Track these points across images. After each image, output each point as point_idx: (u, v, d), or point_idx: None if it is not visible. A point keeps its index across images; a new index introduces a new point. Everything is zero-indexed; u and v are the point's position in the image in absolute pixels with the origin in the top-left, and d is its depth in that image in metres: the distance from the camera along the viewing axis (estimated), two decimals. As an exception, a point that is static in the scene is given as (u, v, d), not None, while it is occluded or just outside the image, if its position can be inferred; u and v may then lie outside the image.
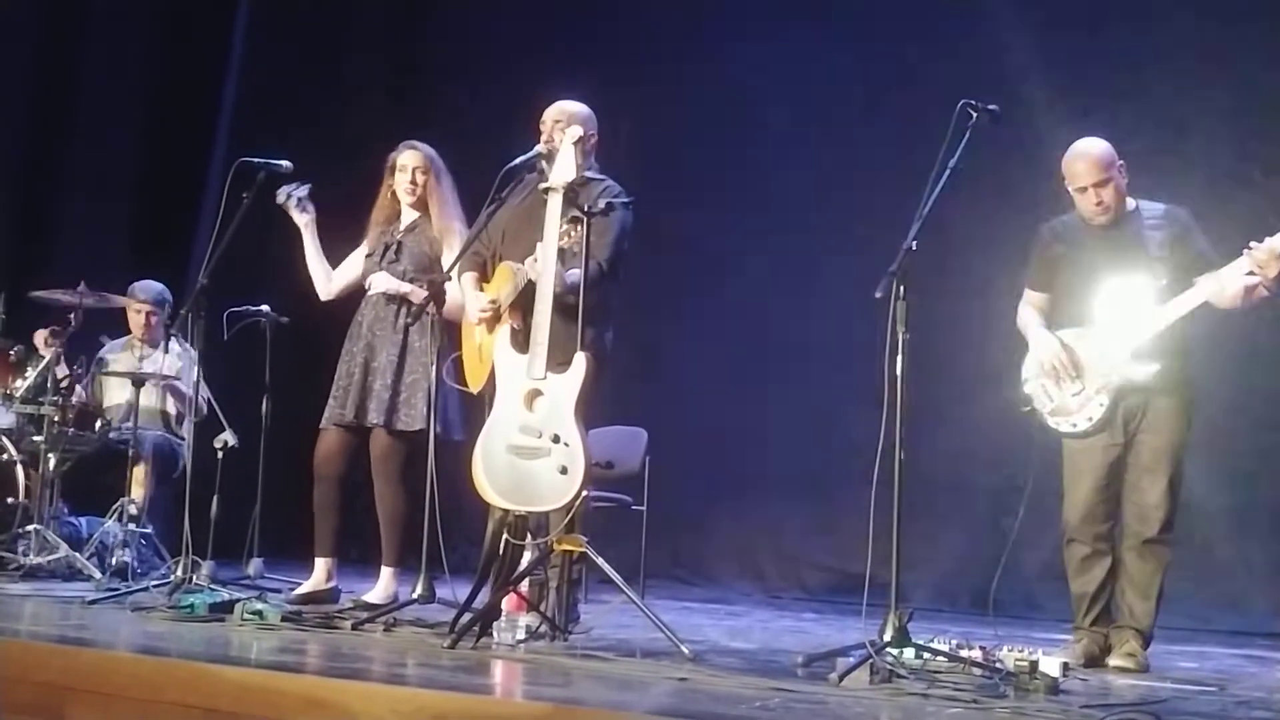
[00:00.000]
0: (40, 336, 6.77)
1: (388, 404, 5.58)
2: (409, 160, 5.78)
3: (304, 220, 5.84)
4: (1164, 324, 4.74)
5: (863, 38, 8.11)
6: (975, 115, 4.33)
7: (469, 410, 5.14)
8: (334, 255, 5.94)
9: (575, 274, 4.70)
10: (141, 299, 7.16)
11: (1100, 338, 4.85)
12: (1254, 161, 6.93)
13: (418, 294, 5.52)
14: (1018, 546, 5.70)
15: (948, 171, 4.23)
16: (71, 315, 6.71)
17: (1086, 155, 4.85)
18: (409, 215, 5.83)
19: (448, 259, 5.59)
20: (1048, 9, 7.55)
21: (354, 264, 5.92)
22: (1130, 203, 4.93)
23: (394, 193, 5.82)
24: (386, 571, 5.64)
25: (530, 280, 4.78)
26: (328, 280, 5.92)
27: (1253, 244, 4.58)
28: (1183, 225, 4.89)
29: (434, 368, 5.10)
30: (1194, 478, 6.00)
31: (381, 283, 5.67)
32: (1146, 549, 4.80)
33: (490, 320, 5.05)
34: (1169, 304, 4.74)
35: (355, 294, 5.88)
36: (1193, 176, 6.55)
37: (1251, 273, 4.60)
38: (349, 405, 5.63)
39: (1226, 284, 4.66)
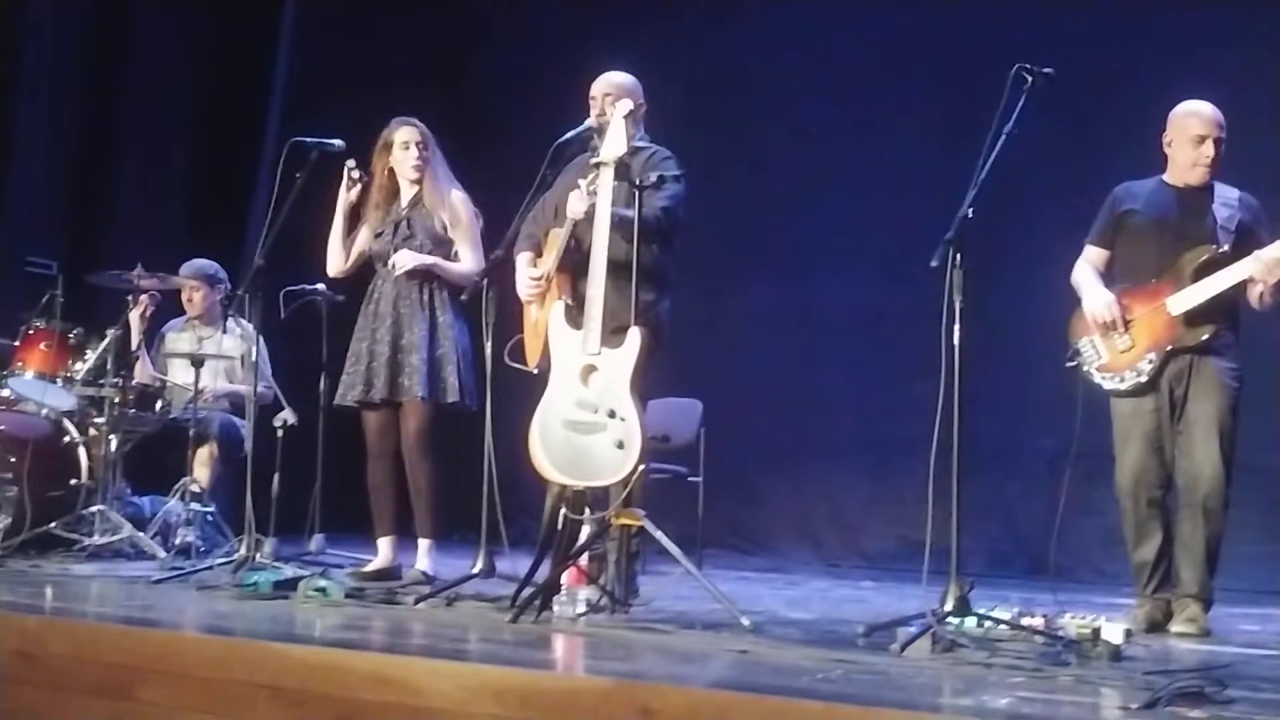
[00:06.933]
0: (137, 311, 6.94)
1: (429, 378, 5.58)
2: (410, 135, 5.78)
3: (349, 198, 5.84)
4: (1216, 289, 4.73)
5: (913, 1, 8.03)
6: (1030, 79, 4.28)
7: (522, 385, 5.13)
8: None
9: (630, 211, 4.67)
10: (184, 276, 7.23)
11: (1155, 297, 4.82)
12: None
13: (443, 264, 5.64)
14: (1078, 511, 5.67)
15: (1003, 137, 4.19)
16: (147, 295, 6.94)
17: (1210, 108, 4.91)
18: (409, 191, 5.83)
19: (452, 230, 5.70)
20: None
21: (359, 243, 5.92)
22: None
23: (391, 171, 5.81)
24: (424, 543, 5.67)
25: (576, 219, 4.80)
26: (344, 261, 5.94)
27: (1257, 251, 4.65)
28: (1253, 213, 4.91)
29: (489, 345, 5.09)
30: (1257, 440, 5.93)
31: (407, 259, 5.63)
32: (1200, 516, 4.77)
33: (539, 296, 5.06)
34: (1223, 271, 4.73)
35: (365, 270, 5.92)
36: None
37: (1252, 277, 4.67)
38: (381, 382, 5.61)
39: (1256, 269, 4.68)
